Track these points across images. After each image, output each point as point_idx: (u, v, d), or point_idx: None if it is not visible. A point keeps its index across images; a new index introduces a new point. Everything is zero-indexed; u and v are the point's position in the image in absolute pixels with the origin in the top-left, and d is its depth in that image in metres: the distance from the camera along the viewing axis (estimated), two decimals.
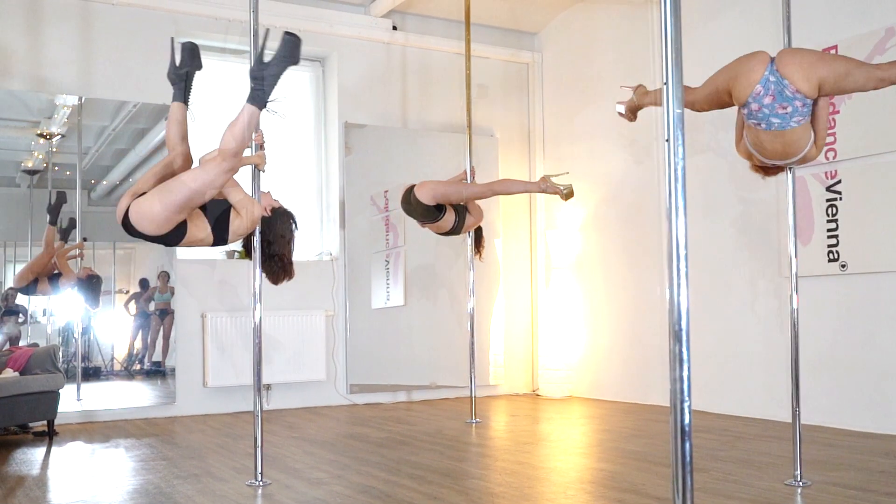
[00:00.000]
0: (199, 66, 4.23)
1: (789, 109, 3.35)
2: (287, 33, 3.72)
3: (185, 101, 4.17)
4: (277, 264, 4.11)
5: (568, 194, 5.89)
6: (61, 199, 6.33)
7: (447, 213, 5.88)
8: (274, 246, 4.09)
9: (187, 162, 4.07)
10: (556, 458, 4.55)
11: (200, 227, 3.86)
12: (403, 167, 7.53)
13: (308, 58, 7.34)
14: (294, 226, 4.21)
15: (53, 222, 6.29)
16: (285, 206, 4.21)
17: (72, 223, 6.33)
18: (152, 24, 6.45)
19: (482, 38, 7.67)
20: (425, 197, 5.71)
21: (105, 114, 6.53)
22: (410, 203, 5.78)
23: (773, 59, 3.43)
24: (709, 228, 6.18)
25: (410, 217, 5.96)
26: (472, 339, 6.12)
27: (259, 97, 3.72)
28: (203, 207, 3.87)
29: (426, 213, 5.80)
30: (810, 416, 5.22)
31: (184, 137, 4.12)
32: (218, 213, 3.91)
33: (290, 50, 3.70)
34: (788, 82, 3.33)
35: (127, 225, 3.75)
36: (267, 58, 3.74)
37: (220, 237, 3.93)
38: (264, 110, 3.77)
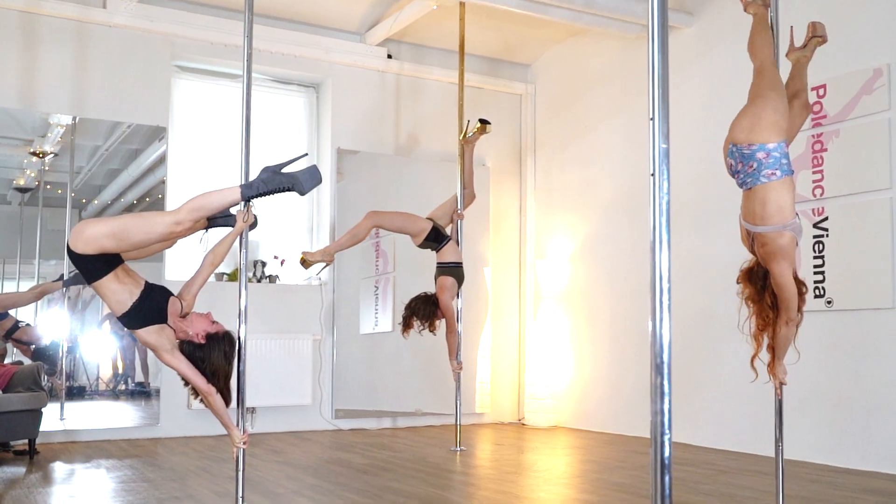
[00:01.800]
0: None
1: (754, 165, 3.40)
2: (315, 167, 3.73)
3: (248, 200, 3.73)
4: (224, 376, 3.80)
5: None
6: (78, 280, 6.13)
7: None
8: (212, 379, 3.76)
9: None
10: (539, 489, 4.54)
11: (122, 289, 3.60)
12: (395, 194, 7.57)
13: (302, 83, 7.40)
14: (232, 354, 3.80)
15: (63, 286, 6.17)
16: (224, 330, 3.83)
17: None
18: (148, 47, 6.50)
19: (476, 68, 7.75)
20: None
21: (98, 134, 6.55)
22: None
23: None
24: (696, 261, 6.21)
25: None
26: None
27: (251, 189, 3.65)
28: (149, 289, 3.68)
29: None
30: (794, 452, 5.22)
31: (203, 217, 3.72)
32: (154, 299, 3.67)
33: (308, 178, 3.66)
34: (738, 144, 3.41)
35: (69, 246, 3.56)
36: (288, 170, 3.74)
37: (133, 318, 3.63)
38: (241, 204, 3.69)
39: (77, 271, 5.23)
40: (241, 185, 3.67)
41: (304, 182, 3.64)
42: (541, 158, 8.03)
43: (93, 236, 3.51)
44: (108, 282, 3.59)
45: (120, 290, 3.61)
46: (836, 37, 5.45)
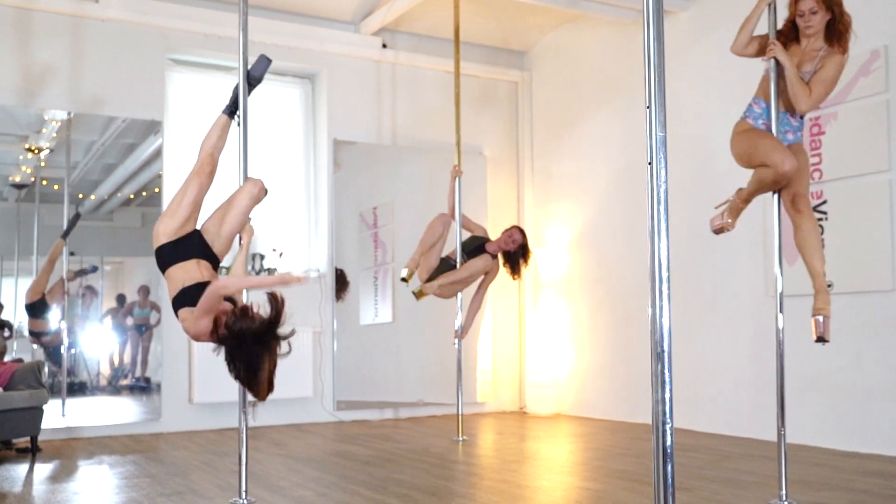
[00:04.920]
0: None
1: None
2: (261, 54, 4.10)
3: (232, 114, 3.92)
4: (255, 386, 3.38)
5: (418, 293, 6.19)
6: (76, 219, 6.34)
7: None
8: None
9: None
10: (542, 477, 4.54)
11: (181, 279, 3.44)
12: (392, 184, 7.55)
13: (298, 74, 7.36)
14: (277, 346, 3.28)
15: (64, 236, 6.29)
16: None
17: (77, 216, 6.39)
18: (142, 41, 6.47)
19: (472, 56, 7.70)
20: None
21: (94, 129, 6.53)
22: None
23: None
24: (695, 248, 6.20)
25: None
26: (459, 357, 6.12)
27: (227, 108, 3.85)
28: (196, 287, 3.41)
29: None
30: (796, 436, 5.23)
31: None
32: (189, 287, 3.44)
33: (257, 66, 4.02)
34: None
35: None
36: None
37: (180, 299, 3.40)
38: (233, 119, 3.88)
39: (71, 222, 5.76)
40: (222, 112, 3.85)
41: (255, 72, 4.03)
42: (538, 146, 8.01)
43: (163, 224, 3.48)
44: (176, 269, 3.45)
45: (178, 280, 3.43)
46: None
